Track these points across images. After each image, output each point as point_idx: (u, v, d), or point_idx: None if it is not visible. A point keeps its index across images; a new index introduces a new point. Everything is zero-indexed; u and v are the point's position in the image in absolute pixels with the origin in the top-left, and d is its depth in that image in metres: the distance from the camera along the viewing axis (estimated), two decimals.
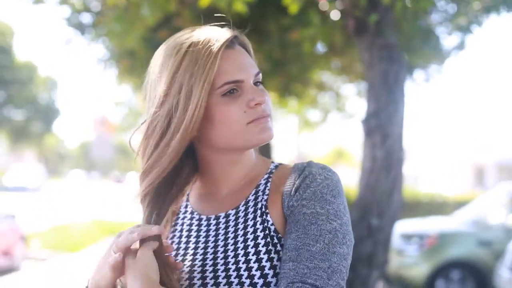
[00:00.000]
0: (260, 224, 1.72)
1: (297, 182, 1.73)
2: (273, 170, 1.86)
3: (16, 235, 14.34)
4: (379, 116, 4.72)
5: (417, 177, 53.16)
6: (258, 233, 1.71)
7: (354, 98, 14.06)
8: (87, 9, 9.63)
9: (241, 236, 1.72)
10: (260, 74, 1.80)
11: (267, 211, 1.74)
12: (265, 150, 11.54)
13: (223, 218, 1.81)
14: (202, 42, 1.72)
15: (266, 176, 1.85)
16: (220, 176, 1.86)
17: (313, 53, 9.32)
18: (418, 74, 11.72)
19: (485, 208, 12.77)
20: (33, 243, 16.94)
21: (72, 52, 14.55)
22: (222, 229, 1.78)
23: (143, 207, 1.81)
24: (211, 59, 1.69)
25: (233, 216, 1.80)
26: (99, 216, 25.10)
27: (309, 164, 1.77)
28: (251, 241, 1.69)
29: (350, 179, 27.20)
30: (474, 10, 8.36)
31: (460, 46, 10.41)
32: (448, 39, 10.69)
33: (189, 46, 1.72)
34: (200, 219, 1.87)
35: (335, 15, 5.74)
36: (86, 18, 10.09)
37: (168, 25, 9.97)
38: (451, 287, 11.40)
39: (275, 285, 1.61)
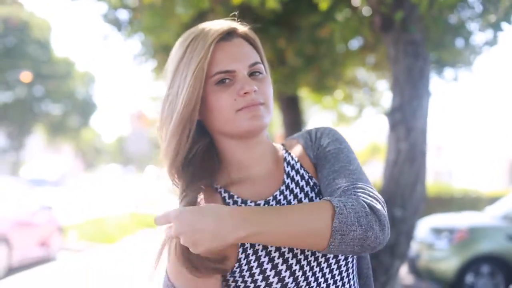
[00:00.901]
0: (308, 186, 1.95)
1: (311, 138, 2.04)
2: (284, 146, 2.08)
3: (53, 226, 14.58)
4: (404, 110, 4.84)
5: (452, 173, 52.89)
6: (312, 195, 1.94)
7: (388, 94, 14.12)
8: (123, 6, 9.78)
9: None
10: (259, 65, 1.90)
11: (307, 172, 1.97)
12: None
13: (272, 201, 1.90)
14: (201, 35, 1.86)
15: (284, 151, 2.04)
16: (245, 160, 1.94)
17: (346, 49, 9.45)
18: (448, 72, 11.76)
19: None
20: (70, 234, 17.20)
21: (109, 48, 14.78)
22: None
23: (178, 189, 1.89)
24: (204, 50, 1.81)
25: (281, 195, 1.92)
26: (135, 209, 25.31)
27: (306, 129, 2.08)
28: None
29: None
30: (503, 7, 8.43)
31: (492, 42, 10.44)
32: (479, 35, 10.74)
33: (192, 38, 1.87)
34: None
35: (366, 11, 5.89)
36: (123, 14, 10.26)
37: (202, 21, 10.14)
38: (480, 281, 11.46)
39: None
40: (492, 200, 17.94)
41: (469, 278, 11.44)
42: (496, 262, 11.46)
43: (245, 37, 1.95)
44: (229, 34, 1.90)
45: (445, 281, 11.51)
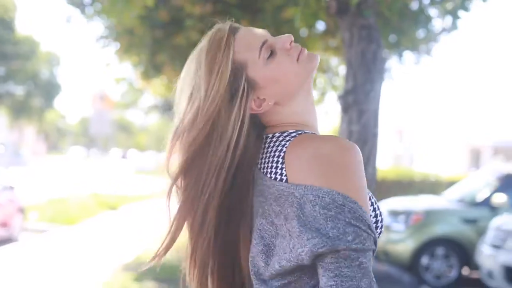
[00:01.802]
0: None
1: None
2: None
3: (14, 206, 14.52)
4: (356, 93, 4.95)
5: (412, 157, 53.39)
6: None
7: None
8: None
9: None
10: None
11: None
12: None
13: None
14: (212, 46, 1.88)
15: None
16: (312, 116, 1.95)
17: (309, 33, 9.53)
18: (408, 56, 11.93)
19: (472, 187, 13.06)
20: (31, 215, 17.16)
21: (73, 29, 14.76)
22: None
23: None
24: (226, 51, 1.85)
25: None
26: (97, 190, 25.27)
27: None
28: None
29: None
30: None
31: (451, 28, 10.61)
32: (438, 21, 10.91)
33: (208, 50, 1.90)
34: None
35: None
36: None
37: (167, 4, 10.19)
38: (435, 263, 11.69)
39: None
40: (452, 184, 18.20)
41: (425, 260, 11.68)
42: (450, 244, 11.70)
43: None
44: (233, 29, 1.91)
45: (401, 263, 11.72)
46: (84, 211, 18.77)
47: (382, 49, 5.21)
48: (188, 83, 1.90)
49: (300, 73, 1.88)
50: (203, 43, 1.93)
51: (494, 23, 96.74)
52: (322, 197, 1.60)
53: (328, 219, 1.58)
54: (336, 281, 1.56)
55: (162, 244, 1.96)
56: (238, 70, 1.83)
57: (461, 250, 11.71)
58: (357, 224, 1.59)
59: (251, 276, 1.78)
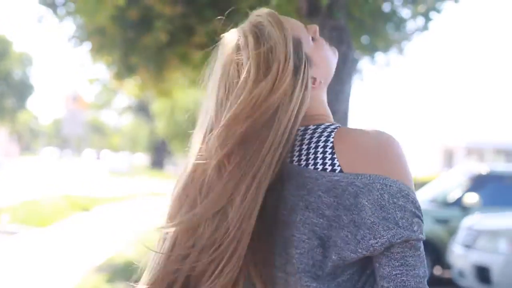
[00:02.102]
0: None
1: None
2: None
3: None
4: (327, 94, 4.98)
5: None
6: None
7: None
8: None
9: None
10: None
11: None
12: None
13: None
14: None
15: None
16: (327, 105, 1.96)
17: None
18: (380, 57, 11.99)
19: (444, 187, 13.15)
20: (2, 217, 17.04)
21: (45, 29, 14.71)
22: None
23: None
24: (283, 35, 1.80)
25: None
26: (70, 191, 25.15)
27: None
28: None
29: None
30: None
31: (423, 29, 10.69)
32: (410, 22, 10.99)
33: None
34: None
35: None
36: None
37: (138, 4, 10.17)
38: None
39: None
40: (425, 184, 18.29)
41: None
42: (423, 244, 11.76)
43: None
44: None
45: None
46: (56, 212, 18.66)
47: (353, 50, 5.24)
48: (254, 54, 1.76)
49: (332, 60, 1.92)
50: (256, 18, 1.88)
51: (467, 24, 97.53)
52: (390, 185, 1.60)
53: (397, 209, 1.59)
54: (401, 270, 1.59)
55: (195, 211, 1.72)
56: (298, 43, 1.80)
57: (433, 250, 11.78)
58: (419, 214, 1.64)
59: (297, 275, 1.67)
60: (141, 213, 20.66)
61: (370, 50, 11.04)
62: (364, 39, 10.31)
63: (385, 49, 11.38)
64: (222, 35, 2.00)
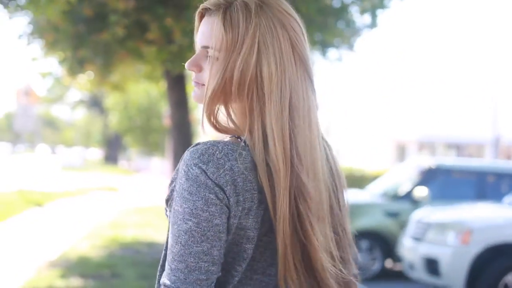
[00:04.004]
0: None
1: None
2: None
3: None
4: None
5: (339, 152, 53.99)
6: None
7: None
8: None
9: None
10: (207, 49, 1.85)
11: None
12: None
13: None
14: None
15: None
16: None
17: None
18: (332, 52, 12.13)
19: (395, 181, 13.33)
20: None
21: None
22: None
23: None
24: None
25: None
26: (23, 187, 24.92)
27: (189, 149, 1.77)
28: None
29: None
30: None
31: (371, 25, 10.87)
32: (359, 18, 11.15)
33: None
34: None
35: None
36: None
37: (90, 0, 10.17)
38: (359, 255, 11.89)
39: None
40: (376, 178, 18.52)
41: None
42: (374, 237, 11.93)
43: (223, 16, 1.84)
44: (208, 10, 1.89)
45: None
46: (9, 208, 18.49)
47: None
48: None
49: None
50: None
51: (418, 18, 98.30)
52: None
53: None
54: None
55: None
56: None
57: (384, 243, 11.95)
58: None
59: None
60: (95, 208, 20.60)
61: (322, 45, 11.19)
62: (316, 35, 10.45)
63: (336, 45, 11.53)
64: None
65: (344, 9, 10.20)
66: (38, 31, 11.70)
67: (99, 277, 9.82)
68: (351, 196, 13.10)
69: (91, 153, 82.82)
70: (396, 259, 11.81)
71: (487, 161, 26.11)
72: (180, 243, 1.70)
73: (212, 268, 1.71)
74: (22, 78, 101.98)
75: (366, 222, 11.97)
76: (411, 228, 10.64)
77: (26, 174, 34.22)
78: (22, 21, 11.56)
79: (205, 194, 1.69)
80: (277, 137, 1.73)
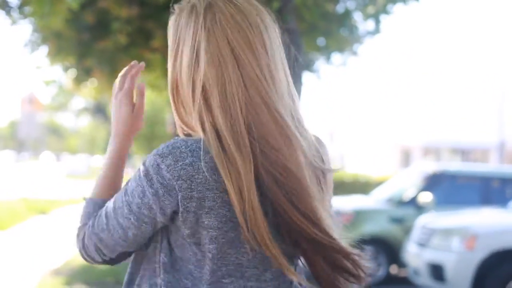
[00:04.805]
0: None
1: None
2: None
3: None
4: None
5: (344, 158, 53.95)
6: None
7: None
8: None
9: None
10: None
11: None
12: None
13: None
14: None
15: None
16: None
17: None
18: (336, 58, 12.14)
19: (399, 186, 13.29)
20: None
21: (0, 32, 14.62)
22: None
23: None
24: None
25: None
26: (27, 195, 24.92)
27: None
28: None
29: None
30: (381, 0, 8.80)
31: (374, 31, 10.86)
32: (363, 24, 11.15)
33: None
34: None
35: None
36: None
37: (92, 7, 10.18)
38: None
39: None
40: (381, 184, 18.48)
41: None
42: (379, 244, 11.89)
43: (173, 19, 1.93)
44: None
45: None
46: (14, 216, 18.50)
47: (302, 53, 5.33)
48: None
49: None
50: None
51: (422, 23, 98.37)
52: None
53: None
54: None
55: None
56: None
57: (389, 249, 11.91)
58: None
59: None
60: None
61: (325, 51, 11.19)
62: (320, 41, 10.46)
63: (340, 50, 11.54)
64: None
65: (347, 15, 10.19)
66: (42, 39, 11.73)
67: (103, 285, 9.82)
68: (356, 202, 13.08)
69: (95, 160, 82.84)
70: (401, 265, 11.77)
71: (492, 166, 26.06)
72: (114, 206, 1.85)
73: (122, 243, 1.85)
74: (26, 86, 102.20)
75: (371, 228, 11.94)
76: (416, 233, 10.61)
77: (30, 182, 34.24)
78: (26, 29, 11.59)
79: (145, 185, 1.78)
80: (228, 133, 1.73)
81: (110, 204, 1.88)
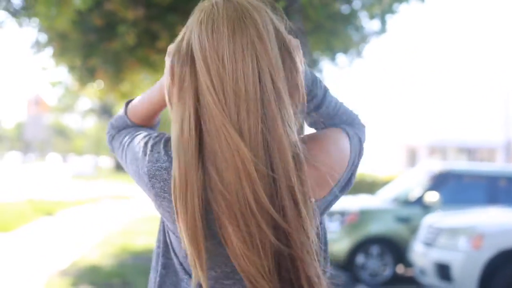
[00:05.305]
0: None
1: None
2: None
3: None
4: None
5: None
6: None
7: None
8: None
9: None
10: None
11: None
12: None
13: None
14: None
15: None
16: None
17: None
18: (341, 58, 12.13)
19: (405, 186, 13.28)
20: None
21: (6, 34, 14.66)
22: None
23: None
24: None
25: None
26: (34, 196, 24.95)
27: None
28: None
29: None
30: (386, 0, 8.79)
31: (380, 31, 10.86)
32: (368, 24, 11.15)
33: None
34: None
35: None
36: (18, 0, 10.23)
37: (99, 9, 10.19)
38: (370, 261, 11.88)
39: None
40: (387, 184, 18.46)
41: (360, 259, 11.85)
42: (385, 243, 11.90)
43: None
44: None
45: (336, 262, 11.86)
46: (20, 217, 18.54)
47: (308, 52, 5.32)
48: None
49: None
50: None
51: (428, 21, 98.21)
52: None
53: None
54: None
55: None
56: None
57: (395, 249, 11.92)
58: None
59: None
60: (106, 216, 20.61)
61: (330, 51, 11.18)
62: (325, 40, 10.45)
63: (345, 51, 11.53)
64: None
65: (353, 14, 10.19)
66: (48, 40, 11.75)
67: (110, 286, 9.83)
68: (362, 201, 13.07)
69: (102, 161, 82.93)
70: (408, 264, 11.77)
71: (499, 165, 26.04)
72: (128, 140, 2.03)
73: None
74: (32, 88, 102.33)
75: (377, 227, 11.95)
76: (423, 233, 10.60)
77: (37, 183, 34.28)
78: (32, 31, 11.61)
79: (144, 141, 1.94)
80: (173, 141, 1.77)
81: (126, 139, 2.04)
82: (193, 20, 1.82)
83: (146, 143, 1.90)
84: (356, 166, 1.98)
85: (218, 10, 1.77)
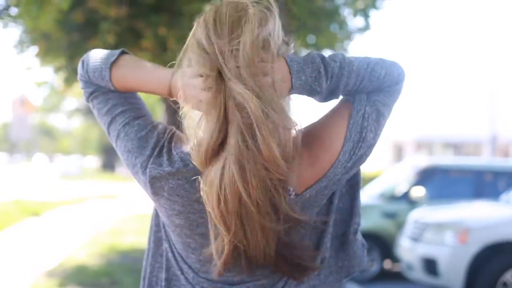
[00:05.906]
0: None
1: None
2: None
3: None
4: None
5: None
6: None
7: None
8: None
9: None
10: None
11: None
12: None
13: None
14: None
15: None
16: None
17: None
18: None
19: (392, 181, 13.32)
20: None
21: None
22: None
23: None
24: None
25: None
26: (20, 197, 24.85)
27: None
28: None
29: None
30: None
31: (364, 28, 10.87)
32: (353, 20, 11.16)
33: None
34: None
35: None
36: (1, 1, 10.17)
37: (81, 8, 10.16)
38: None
39: None
40: (374, 179, 18.48)
41: None
42: (372, 239, 11.90)
43: None
44: None
45: None
46: (6, 218, 18.44)
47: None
48: None
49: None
50: None
51: (413, 18, 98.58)
52: None
53: None
54: None
55: None
56: None
57: (382, 244, 11.94)
58: None
59: None
60: (93, 216, 20.56)
61: (315, 48, 11.19)
62: (310, 38, 10.46)
63: (330, 47, 11.54)
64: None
65: (336, 11, 10.19)
66: (31, 40, 11.70)
67: (97, 285, 9.81)
68: None
69: (88, 161, 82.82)
70: (395, 259, 11.79)
71: (484, 159, 26.13)
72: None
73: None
74: (18, 88, 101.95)
75: (364, 223, 11.92)
76: (409, 228, 10.62)
77: (23, 184, 34.17)
78: (15, 31, 11.56)
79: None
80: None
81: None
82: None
83: (154, 146, 1.93)
84: (362, 138, 1.99)
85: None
